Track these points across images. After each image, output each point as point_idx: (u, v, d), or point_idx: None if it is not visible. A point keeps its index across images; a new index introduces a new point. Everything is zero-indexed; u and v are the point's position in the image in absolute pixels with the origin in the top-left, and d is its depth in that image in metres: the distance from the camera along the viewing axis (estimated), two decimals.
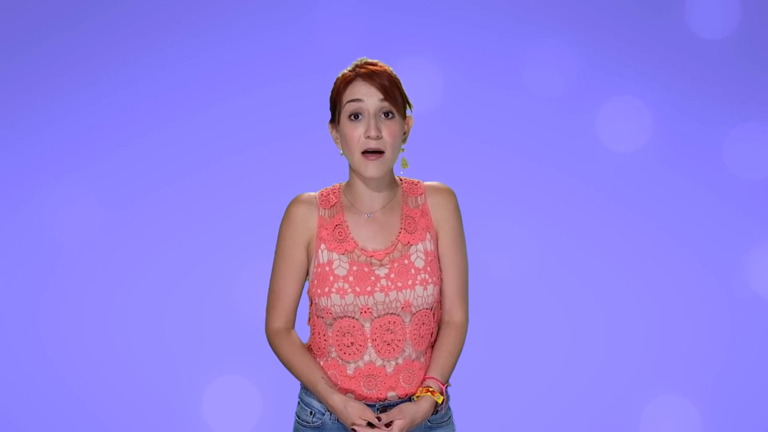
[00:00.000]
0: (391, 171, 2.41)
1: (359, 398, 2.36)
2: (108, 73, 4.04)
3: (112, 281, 4.03)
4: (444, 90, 4.07)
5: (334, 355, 2.38)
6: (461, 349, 2.44)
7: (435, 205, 2.43)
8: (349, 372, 2.37)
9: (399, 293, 2.35)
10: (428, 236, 2.40)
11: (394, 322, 2.36)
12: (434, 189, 2.45)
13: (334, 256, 2.37)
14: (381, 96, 2.33)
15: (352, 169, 2.39)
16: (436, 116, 4.01)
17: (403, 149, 2.41)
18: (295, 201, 2.42)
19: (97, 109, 4.04)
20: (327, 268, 2.36)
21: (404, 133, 2.40)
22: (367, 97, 2.33)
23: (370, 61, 2.39)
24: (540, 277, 4.07)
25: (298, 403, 2.45)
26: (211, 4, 4.05)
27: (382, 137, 2.32)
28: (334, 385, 2.37)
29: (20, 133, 4.03)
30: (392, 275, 2.35)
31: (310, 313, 2.44)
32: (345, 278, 2.34)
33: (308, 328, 2.46)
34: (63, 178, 4.03)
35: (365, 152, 2.33)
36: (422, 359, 2.40)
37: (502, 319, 4.01)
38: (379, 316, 2.35)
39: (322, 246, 2.38)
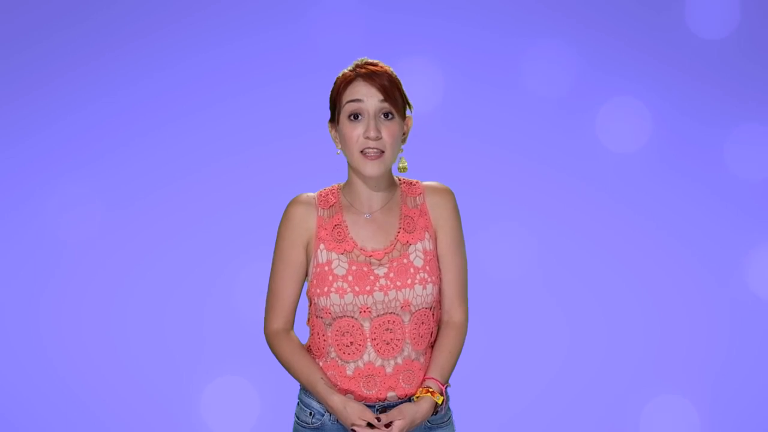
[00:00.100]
0: (390, 171, 2.41)
1: (359, 399, 2.36)
2: (108, 73, 4.04)
3: (112, 281, 4.03)
4: (444, 90, 4.07)
5: (333, 355, 2.38)
6: (461, 350, 2.43)
7: (434, 205, 2.43)
8: (349, 372, 2.37)
9: (398, 292, 2.35)
10: (427, 236, 2.41)
11: (394, 322, 2.36)
12: (433, 189, 2.45)
13: (333, 255, 2.37)
14: (381, 97, 2.33)
15: (351, 169, 2.39)
16: (436, 116, 4.01)
17: (401, 150, 2.41)
18: (294, 202, 2.42)
19: (97, 109, 4.04)
20: (326, 268, 2.36)
21: (403, 134, 2.40)
22: (367, 97, 2.33)
23: (370, 61, 2.39)
24: (540, 277, 4.08)
25: (298, 403, 2.45)
26: (211, 4, 4.05)
27: (381, 138, 2.32)
28: (334, 386, 2.37)
29: (20, 133, 4.04)
30: (391, 274, 2.35)
31: (309, 313, 2.44)
32: (344, 278, 2.34)
33: (307, 328, 2.46)
34: (63, 178, 4.03)
35: (364, 151, 2.33)
36: (422, 359, 2.40)
37: (502, 319, 4.01)
38: (378, 316, 2.35)
39: (321, 246, 2.38)
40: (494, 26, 4.07)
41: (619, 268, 4.10)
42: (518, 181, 4.07)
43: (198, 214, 4.03)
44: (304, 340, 2.47)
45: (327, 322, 2.37)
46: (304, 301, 2.45)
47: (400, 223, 2.41)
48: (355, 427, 2.30)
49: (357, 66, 2.38)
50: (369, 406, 2.35)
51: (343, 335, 2.36)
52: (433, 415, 2.38)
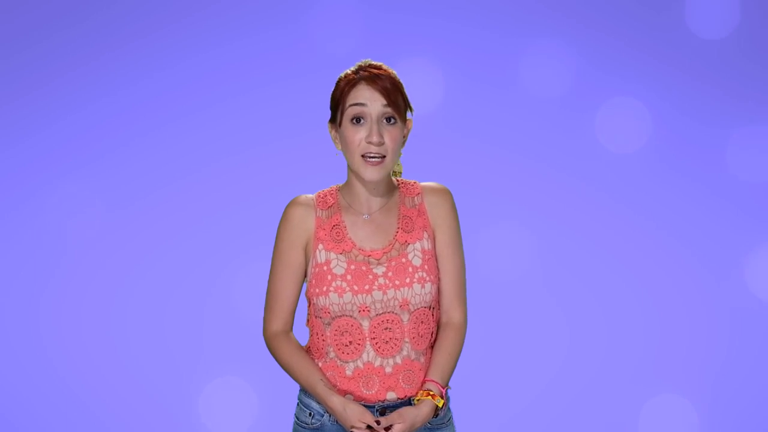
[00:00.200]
0: (390, 174, 2.41)
1: (358, 399, 2.36)
2: (108, 73, 4.04)
3: (111, 281, 4.03)
4: (444, 90, 4.06)
5: (332, 355, 2.38)
6: (461, 350, 2.43)
7: (432, 205, 2.43)
8: (348, 373, 2.37)
9: (397, 291, 2.35)
10: (425, 235, 2.41)
11: (393, 321, 2.36)
12: (431, 189, 2.45)
13: (332, 255, 2.37)
14: (384, 101, 2.33)
15: (351, 170, 2.39)
16: (437, 116, 4.01)
17: (401, 153, 2.41)
18: (293, 203, 2.42)
19: (97, 109, 4.04)
20: (325, 268, 2.36)
21: (403, 137, 2.40)
22: (371, 102, 2.33)
23: (374, 63, 2.38)
24: (540, 277, 4.07)
25: (297, 404, 2.45)
26: (211, 4, 4.05)
27: (384, 143, 2.32)
28: (333, 387, 2.37)
29: (20, 133, 4.04)
30: (390, 273, 2.35)
31: (308, 314, 2.44)
32: (343, 277, 2.35)
33: (306, 330, 2.46)
34: (63, 179, 4.03)
35: (365, 156, 2.33)
36: (422, 359, 2.40)
37: (502, 320, 4.01)
38: (377, 315, 2.35)
39: (320, 246, 2.38)
40: (494, 26, 4.07)
41: (619, 268, 4.09)
42: (518, 181, 4.07)
43: (197, 215, 4.03)
44: (303, 342, 2.47)
45: (326, 322, 2.37)
46: (303, 302, 2.46)
47: (398, 223, 2.41)
48: (354, 430, 2.30)
49: (360, 68, 2.37)
50: (368, 407, 2.35)
51: (342, 335, 2.36)
52: (433, 417, 2.38)
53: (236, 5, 4.04)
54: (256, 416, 3.99)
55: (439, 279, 2.41)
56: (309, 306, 2.43)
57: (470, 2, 4.07)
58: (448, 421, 2.45)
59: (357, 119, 2.34)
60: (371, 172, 2.33)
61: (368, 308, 2.35)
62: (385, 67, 2.38)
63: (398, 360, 2.37)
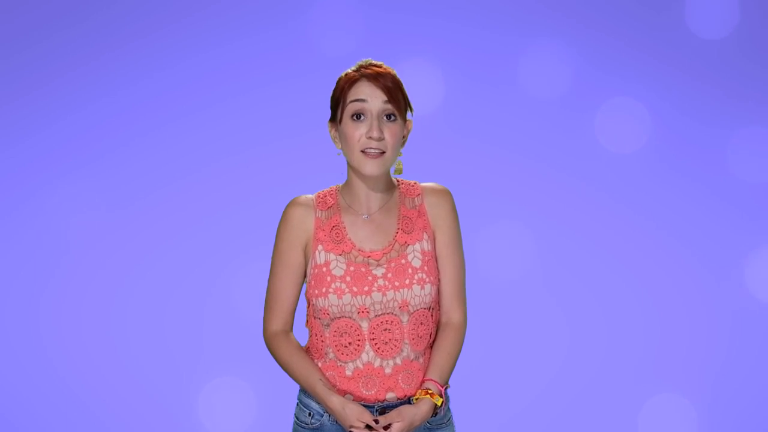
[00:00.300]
0: (389, 172, 2.42)
1: (358, 399, 2.36)
2: (108, 73, 4.04)
3: (111, 281, 4.03)
4: (444, 90, 4.06)
5: (331, 356, 2.38)
6: (460, 350, 2.43)
7: (432, 206, 2.43)
8: (348, 373, 2.37)
9: (396, 292, 2.35)
10: (425, 236, 2.41)
11: (392, 322, 2.36)
12: (431, 190, 2.45)
13: (332, 256, 2.37)
14: (385, 98, 2.33)
15: (351, 168, 2.39)
16: (436, 116, 4.01)
17: (400, 153, 2.41)
18: (292, 203, 2.42)
19: (97, 109, 4.04)
20: (324, 269, 2.36)
21: (403, 137, 2.40)
22: (371, 98, 2.33)
23: (375, 62, 2.39)
24: (540, 277, 4.08)
25: (297, 404, 2.45)
26: (211, 4, 4.05)
27: (384, 139, 2.33)
28: (333, 387, 2.37)
29: (20, 133, 4.04)
30: (389, 275, 2.35)
31: (307, 315, 2.44)
32: (342, 278, 2.35)
33: (306, 330, 2.46)
34: (63, 179, 4.03)
35: (365, 150, 2.33)
36: (421, 360, 2.40)
37: (501, 320, 4.01)
38: (376, 316, 2.35)
39: (320, 247, 2.38)
40: (494, 26, 4.07)
41: (619, 268, 4.09)
42: (518, 181, 4.07)
43: (197, 215, 4.03)
44: (303, 342, 2.47)
45: (325, 323, 2.37)
46: (303, 303, 2.46)
47: (398, 223, 2.41)
48: (353, 429, 2.30)
49: (361, 66, 2.38)
50: (368, 407, 2.35)
51: (341, 336, 2.36)
52: (432, 416, 2.38)
53: (236, 5, 4.04)
54: (255, 416, 3.99)
55: (438, 280, 2.41)
56: (308, 306, 2.43)
57: (470, 2, 4.07)
58: (448, 421, 2.45)
59: (357, 115, 2.34)
60: (371, 166, 2.33)
61: (367, 309, 2.35)
62: (385, 65, 2.39)
63: (398, 361, 2.37)
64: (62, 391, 4.00)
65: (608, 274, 4.09)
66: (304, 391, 2.43)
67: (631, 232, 4.10)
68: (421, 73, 4.03)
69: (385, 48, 3.80)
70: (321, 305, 2.35)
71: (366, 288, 2.34)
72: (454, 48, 4.07)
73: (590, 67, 4.08)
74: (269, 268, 2.44)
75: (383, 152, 2.33)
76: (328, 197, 2.43)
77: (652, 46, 4.09)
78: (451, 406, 2.50)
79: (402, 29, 4.05)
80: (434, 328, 2.43)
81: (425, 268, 2.38)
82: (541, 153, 4.07)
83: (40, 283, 4.03)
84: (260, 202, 3.70)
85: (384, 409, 2.37)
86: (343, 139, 2.37)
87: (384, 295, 2.34)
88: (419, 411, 2.33)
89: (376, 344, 2.36)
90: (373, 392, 2.37)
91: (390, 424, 2.30)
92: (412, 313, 2.37)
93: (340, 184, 2.46)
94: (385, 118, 2.34)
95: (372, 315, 2.35)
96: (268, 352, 2.45)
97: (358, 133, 2.33)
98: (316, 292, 2.36)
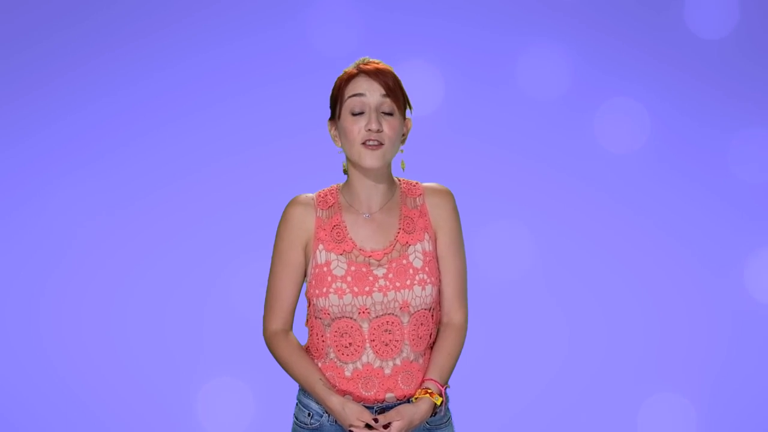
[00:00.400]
0: (389, 168, 2.41)
1: (357, 400, 2.36)
2: (108, 73, 4.04)
3: (111, 281, 4.03)
4: (444, 90, 4.07)
5: (332, 356, 2.38)
6: (460, 351, 2.43)
7: (433, 206, 2.43)
8: (347, 373, 2.37)
9: (397, 293, 2.35)
10: (427, 237, 2.41)
11: (392, 323, 2.36)
12: (433, 190, 2.45)
13: (332, 256, 2.37)
14: (383, 92, 2.34)
15: (351, 164, 2.39)
16: (436, 116, 4.01)
17: (401, 150, 2.41)
18: (293, 202, 2.42)
19: (97, 109, 4.04)
20: (325, 269, 2.36)
21: (403, 135, 2.40)
22: (370, 92, 2.34)
23: (373, 60, 2.39)
24: (540, 277, 4.08)
25: (296, 404, 2.45)
26: (211, 4, 4.05)
27: (382, 131, 2.33)
28: (332, 387, 2.37)
29: (20, 133, 4.04)
30: (390, 275, 2.35)
31: (308, 314, 2.44)
32: (343, 278, 2.35)
33: (306, 330, 2.46)
34: (63, 179, 4.03)
35: (365, 143, 2.33)
36: (421, 360, 2.40)
37: (501, 320, 4.01)
38: (377, 317, 2.35)
39: (320, 247, 2.38)
40: (494, 26, 4.07)
41: (619, 268, 4.10)
42: (518, 181, 4.07)
43: (197, 215, 4.03)
44: (303, 342, 2.47)
45: (326, 323, 2.37)
46: (303, 302, 2.46)
47: (399, 223, 2.41)
48: (353, 428, 2.30)
49: (360, 63, 2.39)
50: (367, 407, 2.35)
51: (341, 336, 2.36)
52: (432, 416, 2.38)
53: (235, 5, 4.04)
54: (254, 416, 3.99)
55: (439, 281, 2.41)
56: (309, 306, 2.43)
57: (470, 2, 4.08)
58: (448, 421, 2.45)
59: (356, 112, 2.34)
60: (371, 158, 2.33)
61: (368, 310, 2.35)
62: (383, 63, 2.39)
63: (398, 362, 2.37)
64: (62, 391, 4.00)
65: (608, 274, 4.09)
66: (303, 391, 2.43)
67: (631, 232, 4.11)
68: (420, 73, 4.03)
69: (384, 48, 3.78)
70: (321, 305, 2.35)
71: (367, 288, 2.34)
72: (453, 48, 4.07)
73: (589, 67, 4.08)
74: (269, 268, 2.44)
75: (382, 144, 2.33)
76: (329, 196, 2.43)
77: (652, 46, 4.09)
78: (451, 406, 2.50)
79: (402, 29, 4.05)
80: (434, 329, 2.43)
81: (426, 268, 2.37)
82: (540, 153, 4.07)
83: (40, 283, 4.03)
84: (260, 202, 3.70)
85: (383, 409, 2.37)
86: (342, 135, 2.37)
87: (385, 295, 2.34)
88: (419, 410, 2.33)
89: (376, 345, 2.36)
90: (372, 393, 2.37)
91: (389, 423, 2.30)
92: (413, 314, 2.36)
93: (341, 184, 2.46)
94: (383, 112, 2.34)
95: (373, 315, 2.35)
96: (268, 352, 2.45)
97: (357, 126, 2.33)
98: (317, 292, 2.36)
